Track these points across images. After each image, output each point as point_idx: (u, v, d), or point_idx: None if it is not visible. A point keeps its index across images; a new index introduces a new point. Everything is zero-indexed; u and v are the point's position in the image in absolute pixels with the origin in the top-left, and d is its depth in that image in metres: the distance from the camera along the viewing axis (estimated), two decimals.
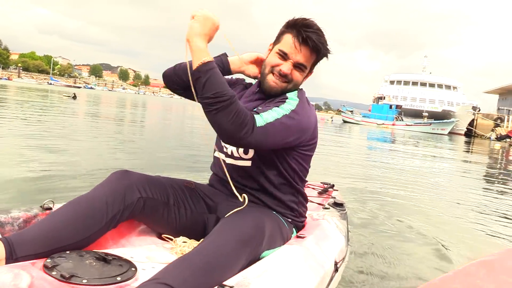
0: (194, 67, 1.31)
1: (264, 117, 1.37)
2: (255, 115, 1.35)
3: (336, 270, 1.60)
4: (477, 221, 3.94)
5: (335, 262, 1.61)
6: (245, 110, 1.32)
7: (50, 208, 1.45)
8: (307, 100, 1.58)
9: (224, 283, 1.08)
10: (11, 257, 1.13)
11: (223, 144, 1.60)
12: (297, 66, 1.52)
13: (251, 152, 1.55)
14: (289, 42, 1.50)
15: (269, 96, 1.58)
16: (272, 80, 1.54)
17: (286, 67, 1.50)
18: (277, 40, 1.56)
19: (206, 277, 1.07)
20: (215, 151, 1.67)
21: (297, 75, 1.54)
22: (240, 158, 1.57)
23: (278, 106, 1.45)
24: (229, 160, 1.60)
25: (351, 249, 2.42)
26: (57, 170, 3.88)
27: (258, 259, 1.31)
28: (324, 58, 1.58)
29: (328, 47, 1.53)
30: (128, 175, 1.45)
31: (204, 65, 1.29)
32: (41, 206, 1.44)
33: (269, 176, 1.56)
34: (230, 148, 1.59)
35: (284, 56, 1.51)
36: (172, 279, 1.03)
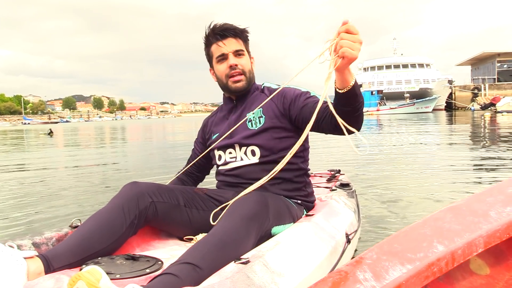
0: (351, 85, 1.33)
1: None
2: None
3: (348, 241, 1.65)
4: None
5: (346, 234, 1.67)
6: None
7: (78, 226, 1.54)
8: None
9: (241, 257, 1.17)
10: (49, 270, 1.22)
11: (229, 151, 1.73)
12: (236, 54, 1.66)
13: (258, 153, 1.66)
14: (215, 49, 1.68)
15: (239, 98, 1.74)
16: (232, 81, 1.68)
17: (231, 59, 1.65)
18: (210, 59, 1.74)
19: (222, 252, 1.17)
20: (221, 164, 1.77)
21: (243, 61, 1.68)
22: (249, 159, 1.69)
23: (302, 92, 1.62)
24: (237, 163, 1.70)
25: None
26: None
27: (270, 235, 1.40)
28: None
29: (241, 27, 1.68)
30: (138, 184, 1.55)
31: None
32: (70, 225, 1.57)
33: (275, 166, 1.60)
34: (239, 154, 1.70)
35: (222, 57, 1.67)
36: (192, 258, 1.14)
